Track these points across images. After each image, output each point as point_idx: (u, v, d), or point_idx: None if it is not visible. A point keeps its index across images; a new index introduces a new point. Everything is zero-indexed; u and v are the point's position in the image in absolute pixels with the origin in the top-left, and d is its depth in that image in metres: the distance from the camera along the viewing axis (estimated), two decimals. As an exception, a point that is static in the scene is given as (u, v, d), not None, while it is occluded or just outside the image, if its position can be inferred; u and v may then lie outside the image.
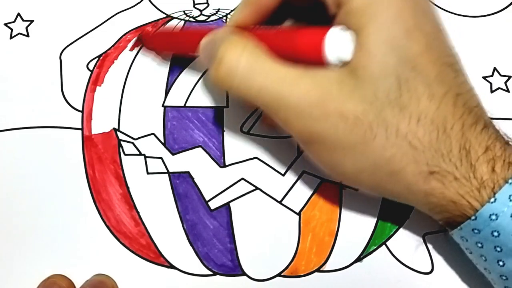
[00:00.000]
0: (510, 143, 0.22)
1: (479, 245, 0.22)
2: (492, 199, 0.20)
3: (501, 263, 0.21)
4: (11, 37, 0.32)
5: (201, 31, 0.26)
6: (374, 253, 0.28)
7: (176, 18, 0.32)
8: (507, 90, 0.31)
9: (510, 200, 0.20)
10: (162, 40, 0.31)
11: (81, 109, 0.30)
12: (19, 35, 0.32)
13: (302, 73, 0.22)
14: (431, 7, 0.23)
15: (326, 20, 0.23)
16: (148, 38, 0.31)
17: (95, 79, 0.31)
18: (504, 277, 0.22)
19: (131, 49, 0.31)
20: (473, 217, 0.21)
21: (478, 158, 0.21)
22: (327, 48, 0.21)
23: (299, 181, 0.29)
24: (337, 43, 0.21)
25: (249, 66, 0.22)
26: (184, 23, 0.32)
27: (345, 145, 0.22)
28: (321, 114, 0.21)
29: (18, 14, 0.33)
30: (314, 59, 0.22)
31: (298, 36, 0.22)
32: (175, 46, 0.30)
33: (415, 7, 0.21)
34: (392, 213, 0.28)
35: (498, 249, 0.21)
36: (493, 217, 0.20)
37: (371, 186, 0.23)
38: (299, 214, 0.28)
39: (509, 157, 0.21)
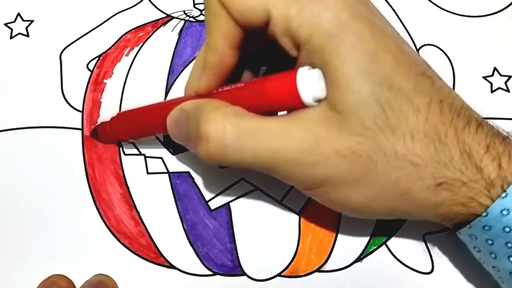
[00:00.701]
0: (508, 137, 0.22)
1: (490, 242, 0.22)
2: (503, 194, 0.20)
3: (511, 259, 0.21)
4: (11, 37, 0.32)
5: (160, 108, 0.25)
6: (374, 253, 0.27)
7: (176, 18, 0.33)
8: (507, 90, 0.31)
9: None
10: (119, 129, 0.28)
11: (81, 109, 0.30)
12: (19, 35, 0.32)
13: (288, 122, 0.21)
14: (388, 24, 0.23)
15: (282, 64, 0.23)
16: (106, 128, 0.29)
17: (95, 79, 0.31)
18: None
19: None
20: (484, 214, 0.21)
21: (481, 159, 0.21)
22: (301, 90, 0.21)
23: (299, 181, 0.29)
24: (308, 82, 0.21)
25: (237, 134, 0.21)
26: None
27: (349, 181, 0.21)
28: (320, 158, 0.21)
29: (18, 14, 0.33)
30: (291, 105, 0.21)
31: (268, 87, 0.22)
32: (136, 131, 0.28)
33: (372, 28, 0.21)
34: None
35: (509, 245, 0.21)
36: (505, 212, 0.20)
37: (385, 213, 0.23)
38: (299, 214, 0.28)
39: None
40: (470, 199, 0.21)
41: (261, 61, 0.26)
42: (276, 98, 0.21)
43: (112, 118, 0.29)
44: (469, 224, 0.22)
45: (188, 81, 0.25)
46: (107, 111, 0.30)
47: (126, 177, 0.29)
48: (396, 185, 0.21)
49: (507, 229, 0.21)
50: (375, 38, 0.21)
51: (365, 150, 0.21)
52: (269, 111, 0.22)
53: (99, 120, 0.30)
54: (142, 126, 0.27)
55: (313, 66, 0.21)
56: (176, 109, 0.24)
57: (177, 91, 0.30)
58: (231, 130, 0.21)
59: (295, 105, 0.21)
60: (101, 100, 0.30)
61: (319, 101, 0.21)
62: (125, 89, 0.30)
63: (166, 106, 0.25)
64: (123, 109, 0.30)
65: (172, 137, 0.24)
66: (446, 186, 0.21)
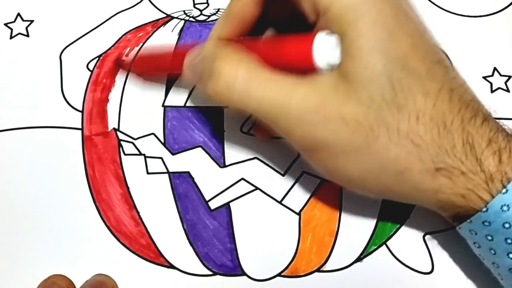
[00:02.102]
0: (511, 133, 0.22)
1: (489, 237, 0.22)
2: (504, 190, 0.20)
3: (511, 255, 0.21)
4: (11, 37, 0.32)
5: (182, 49, 0.26)
6: (374, 253, 0.28)
7: (176, 18, 0.33)
8: (507, 90, 0.31)
9: None
10: (141, 63, 0.30)
11: (81, 109, 0.30)
12: (19, 35, 0.32)
13: (298, 80, 0.22)
14: (412, 8, 0.23)
15: (305, 29, 0.23)
16: (126, 63, 0.30)
17: (95, 79, 0.31)
18: None
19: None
20: (484, 209, 0.21)
21: (483, 152, 0.21)
22: (316, 53, 0.21)
23: (299, 181, 0.29)
24: (324, 47, 0.21)
25: (247, 78, 0.22)
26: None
27: (348, 149, 0.22)
28: (322, 120, 0.21)
29: (18, 14, 0.33)
30: (304, 66, 0.22)
31: (285, 45, 0.22)
32: (156, 66, 0.30)
33: (395, 9, 0.22)
34: (392, 213, 0.28)
35: (509, 241, 0.21)
36: (505, 208, 0.21)
37: (378, 190, 0.23)
38: (299, 214, 0.28)
39: None
40: (469, 191, 0.21)
41: (282, 28, 0.26)
42: (290, 56, 0.22)
43: (134, 58, 0.30)
44: (469, 219, 0.22)
45: (212, 29, 0.26)
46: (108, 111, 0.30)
47: (126, 177, 0.29)
48: (394, 162, 0.21)
49: (506, 225, 0.21)
50: (397, 18, 0.21)
51: (368, 121, 0.21)
52: (283, 69, 0.22)
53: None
54: (162, 63, 0.28)
55: (332, 33, 0.21)
56: (197, 47, 0.25)
57: (177, 91, 0.30)
58: (243, 73, 0.22)
59: (308, 67, 0.21)
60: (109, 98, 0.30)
61: (332, 68, 0.21)
62: (125, 89, 0.30)
63: (187, 47, 0.26)
64: (123, 109, 0.30)
65: (185, 74, 0.25)
66: (444, 172, 0.21)
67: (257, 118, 0.23)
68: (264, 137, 0.29)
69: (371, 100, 0.21)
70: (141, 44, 0.31)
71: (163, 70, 0.30)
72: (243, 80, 0.22)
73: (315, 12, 0.22)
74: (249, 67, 0.22)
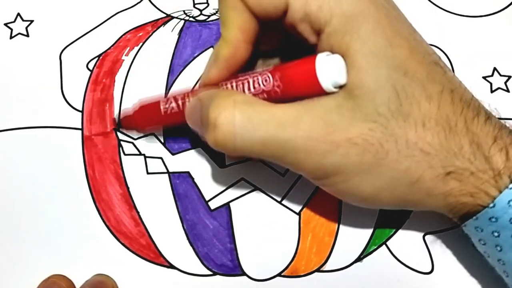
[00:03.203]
0: None
1: (496, 234, 0.22)
2: (511, 185, 0.20)
3: None
4: (11, 37, 0.32)
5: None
6: (374, 253, 0.28)
7: (176, 17, 0.33)
8: (507, 90, 0.31)
9: None
10: (144, 118, 0.28)
11: (81, 109, 0.30)
12: (19, 35, 0.32)
13: (299, 110, 0.21)
14: (401, 13, 0.23)
15: (295, 53, 0.23)
16: (128, 119, 0.29)
17: (95, 79, 0.31)
18: None
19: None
20: (491, 205, 0.21)
21: (489, 149, 0.21)
22: (321, 77, 0.20)
23: (299, 181, 0.29)
24: (328, 68, 0.21)
25: (246, 121, 0.21)
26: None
27: (360, 170, 0.21)
28: (330, 147, 0.21)
29: (18, 14, 0.33)
30: (310, 92, 0.21)
31: (286, 75, 0.21)
32: (159, 120, 0.28)
33: (388, 15, 0.22)
34: (392, 213, 0.28)
35: None
36: None
37: (394, 203, 0.23)
38: (299, 214, 0.28)
39: None
40: (478, 189, 0.21)
41: (274, 60, 0.26)
42: (294, 84, 0.21)
43: (135, 112, 0.28)
44: (476, 216, 0.22)
45: (202, 75, 0.25)
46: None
47: (126, 177, 0.29)
48: (407, 174, 0.21)
49: None
50: (391, 24, 0.21)
51: (376, 138, 0.21)
52: (288, 99, 0.22)
53: (122, 111, 0.29)
54: (164, 118, 0.26)
55: (333, 52, 0.21)
56: (194, 99, 0.24)
57: (177, 91, 0.30)
58: (240, 117, 0.21)
59: (315, 91, 0.21)
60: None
61: (339, 87, 0.21)
62: (125, 88, 0.30)
63: (184, 96, 0.25)
64: (123, 109, 0.30)
65: (190, 126, 0.24)
66: (455, 175, 0.21)
67: (265, 159, 0.22)
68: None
69: (377, 113, 0.21)
70: (140, 44, 0.31)
71: (167, 122, 0.28)
72: (242, 125, 0.21)
73: (314, 32, 0.22)
74: (246, 109, 0.21)
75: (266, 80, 0.22)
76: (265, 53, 0.26)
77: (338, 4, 0.21)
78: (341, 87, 0.21)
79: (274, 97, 0.22)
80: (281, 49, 0.25)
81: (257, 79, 0.22)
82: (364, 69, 0.21)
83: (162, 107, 0.26)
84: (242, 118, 0.21)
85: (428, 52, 0.22)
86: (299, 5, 0.21)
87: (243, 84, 0.23)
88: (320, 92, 0.21)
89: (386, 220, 0.28)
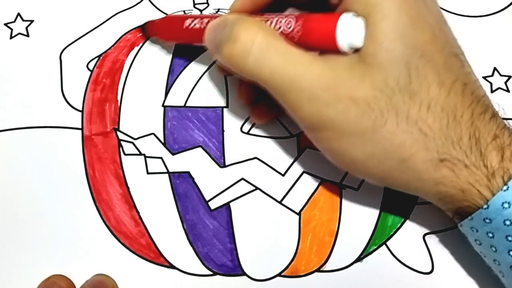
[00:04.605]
0: None
1: (490, 235, 0.22)
2: (505, 187, 0.21)
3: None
4: (11, 37, 0.32)
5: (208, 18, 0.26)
6: (374, 253, 0.28)
7: (176, 18, 0.33)
8: (507, 90, 0.31)
9: None
10: (167, 28, 0.30)
11: (81, 109, 0.30)
12: (19, 35, 0.32)
13: (314, 57, 0.22)
14: (435, 2, 0.23)
15: (325, 10, 0.23)
16: (153, 26, 0.30)
17: (95, 79, 0.31)
18: None
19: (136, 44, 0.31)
20: (485, 206, 0.21)
21: (487, 146, 0.21)
22: (339, 34, 0.21)
23: (299, 181, 0.29)
24: (349, 29, 0.21)
25: (264, 46, 0.22)
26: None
27: (355, 131, 0.22)
28: (332, 98, 0.21)
29: (18, 14, 0.33)
30: (325, 46, 0.22)
31: (308, 23, 0.22)
32: (180, 34, 0.29)
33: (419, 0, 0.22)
34: (392, 213, 0.28)
35: (510, 238, 0.21)
36: (506, 205, 0.21)
37: (380, 176, 0.23)
38: (299, 214, 0.28)
39: None
40: (470, 185, 0.21)
41: (301, 7, 0.27)
42: (313, 35, 0.22)
43: (160, 19, 0.30)
44: (471, 216, 0.22)
45: (232, 3, 0.26)
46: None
47: (126, 177, 0.29)
48: (399, 149, 0.21)
49: (507, 222, 0.21)
50: (419, 7, 0.22)
51: (378, 105, 0.21)
52: (303, 46, 0.22)
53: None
54: (185, 33, 0.28)
55: (358, 15, 0.22)
56: (220, 18, 0.25)
57: (177, 91, 0.30)
58: (260, 40, 0.22)
59: (329, 46, 0.22)
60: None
61: (353, 49, 0.22)
62: (125, 89, 0.30)
63: (210, 18, 0.26)
64: (123, 109, 0.30)
65: (206, 39, 0.25)
66: (448, 164, 0.21)
67: (266, 89, 0.23)
68: (262, 120, 0.29)
69: (385, 84, 0.21)
70: (140, 44, 0.32)
71: (185, 38, 0.29)
72: (260, 47, 0.22)
73: None
74: (267, 36, 0.22)
75: (288, 23, 0.23)
76: (295, 4, 0.26)
77: None
78: (356, 50, 0.22)
79: (291, 42, 0.22)
80: (311, 3, 0.26)
81: (281, 20, 0.23)
82: (380, 41, 0.21)
83: (186, 22, 0.27)
84: (262, 41, 0.22)
85: (450, 44, 0.22)
86: None
87: (266, 20, 0.24)
88: (335, 49, 0.22)
89: (386, 220, 0.28)
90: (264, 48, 0.22)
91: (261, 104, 0.28)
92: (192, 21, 0.27)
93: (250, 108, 0.29)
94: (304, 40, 0.22)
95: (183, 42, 0.30)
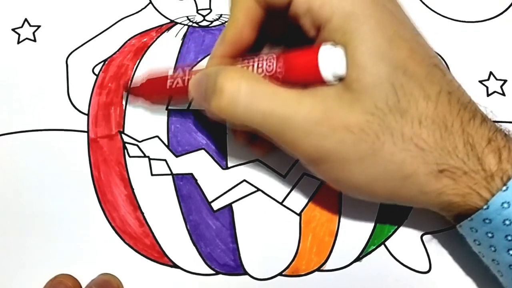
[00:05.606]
0: (510, 134, 0.23)
1: (490, 235, 0.22)
2: (504, 188, 0.21)
3: (511, 252, 0.22)
4: (18, 42, 0.32)
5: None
6: (373, 253, 0.28)
7: (180, 23, 0.33)
8: (503, 94, 0.32)
9: None
10: (150, 91, 0.29)
11: (86, 112, 0.30)
12: (26, 40, 0.32)
13: (302, 92, 0.22)
14: (406, 16, 0.24)
15: (302, 43, 0.23)
16: (137, 90, 0.30)
17: (101, 83, 0.31)
18: None
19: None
20: (485, 207, 0.21)
21: (483, 150, 0.21)
22: (322, 66, 0.21)
23: (299, 183, 0.29)
24: (330, 59, 0.21)
25: (251, 92, 0.22)
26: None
27: (354, 157, 0.22)
28: (328, 130, 0.21)
29: (26, 20, 0.33)
30: (310, 79, 0.22)
31: (290, 60, 0.22)
32: (164, 94, 0.30)
33: (391, 16, 0.22)
34: (391, 214, 0.28)
35: (509, 238, 0.21)
36: (505, 205, 0.21)
37: (386, 195, 0.23)
38: (299, 214, 0.28)
39: None
40: (471, 189, 0.21)
41: (278, 44, 0.27)
42: (296, 70, 0.22)
43: (142, 84, 0.29)
44: (470, 217, 0.22)
45: (212, 51, 0.26)
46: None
47: (131, 179, 0.29)
48: (401, 167, 0.22)
49: (507, 222, 0.21)
50: (392, 25, 0.22)
51: (373, 129, 0.21)
52: (287, 83, 0.22)
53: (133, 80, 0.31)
54: (169, 91, 0.28)
55: (336, 45, 0.22)
56: (200, 72, 0.25)
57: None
58: (245, 88, 0.22)
59: (315, 79, 0.22)
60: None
61: (337, 78, 0.22)
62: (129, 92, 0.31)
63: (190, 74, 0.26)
64: (127, 112, 0.30)
65: (191, 93, 0.25)
66: (448, 173, 0.22)
67: (262, 133, 0.23)
68: (264, 153, 0.29)
69: (375, 107, 0.21)
70: (145, 49, 0.32)
71: (171, 94, 0.29)
72: (247, 94, 0.22)
73: (315, 26, 0.23)
74: (251, 82, 0.22)
75: (270, 65, 0.23)
76: (272, 39, 0.26)
77: (340, 3, 0.22)
78: (340, 79, 0.22)
79: (275, 82, 0.23)
80: (288, 36, 0.26)
81: (262, 62, 0.23)
82: (362, 66, 0.21)
83: (168, 82, 0.27)
84: (247, 88, 0.22)
85: (428, 55, 0.23)
86: (302, 0, 0.22)
87: (248, 64, 0.24)
88: (320, 81, 0.22)
89: (384, 221, 0.28)
90: (251, 95, 0.22)
91: (259, 139, 0.28)
92: (174, 81, 0.27)
93: (250, 145, 0.29)
94: (288, 77, 0.22)
95: (169, 100, 0.30)
